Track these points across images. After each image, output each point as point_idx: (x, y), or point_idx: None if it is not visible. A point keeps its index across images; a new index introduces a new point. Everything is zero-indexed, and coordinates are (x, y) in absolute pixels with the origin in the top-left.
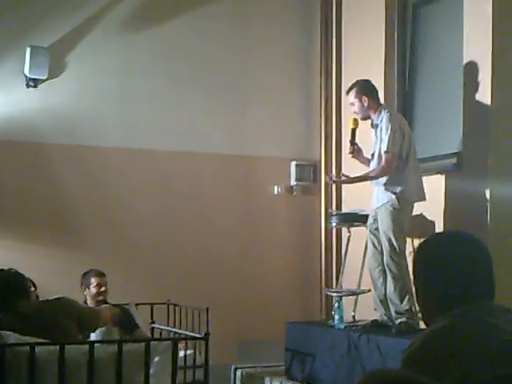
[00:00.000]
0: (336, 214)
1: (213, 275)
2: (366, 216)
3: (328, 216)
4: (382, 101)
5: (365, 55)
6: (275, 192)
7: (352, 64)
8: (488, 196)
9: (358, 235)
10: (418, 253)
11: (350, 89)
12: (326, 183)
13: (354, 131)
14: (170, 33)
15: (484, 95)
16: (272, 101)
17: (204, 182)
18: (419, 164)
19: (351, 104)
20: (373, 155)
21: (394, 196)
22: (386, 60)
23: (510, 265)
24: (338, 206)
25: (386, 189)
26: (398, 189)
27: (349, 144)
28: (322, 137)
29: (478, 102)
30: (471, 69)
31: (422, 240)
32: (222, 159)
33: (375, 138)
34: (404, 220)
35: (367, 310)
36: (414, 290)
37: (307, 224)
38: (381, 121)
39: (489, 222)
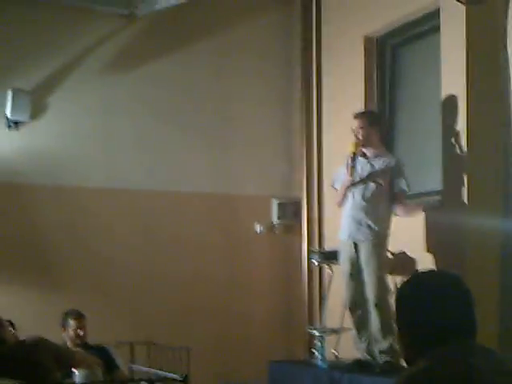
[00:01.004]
0: (318, 252)
1: (195, 314)
2: None
3: (310, 254)
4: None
5: (344, 95)
6: (257, 230)
7: (332, 103)
8: (467, 234)
9: (340, 273)
10: (398, 293)
11: (365, 114)
12: (309, 220)
13: (354, 156)
14: (151, 71)
15: (461, 134)
16: (254, 139)
17: (186, 221)
18: None
19: (359, 128)
20: (354, 184)
21: (379, 232)
22: (365, 100)
23: (489, 301)
24: (320, 244)
25: (373, 224)
26: (383, 225)
27: (349, 170)
28: (304, 174)
29: (455, 140)
30: (448, 108)
31: (403, 278)
32: (205, 198)
33: (366, 167)
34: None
35: (350, 348)
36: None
37: (289, 262)
38: (379, 157)
39: (467, 260)
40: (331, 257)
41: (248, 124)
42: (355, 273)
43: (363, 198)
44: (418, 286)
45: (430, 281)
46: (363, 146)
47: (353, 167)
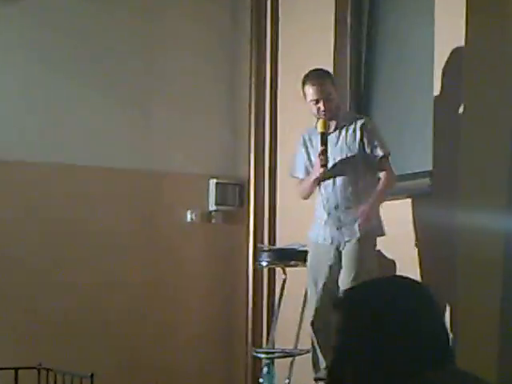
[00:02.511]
0: (268, 250)
1: (101, 333)
2: (307, 253)
3: (258, 252)
4: None
5: (308, 48)
6: (188, 219)
7: (292, 58)
8: (463, 228)
9: (297, 278)
10: (347, 314)
11: (324, 75)
12: (257, 208)
13: (324, 136)
14: (46, 6)
15: (458, 103)
16: (187, 101)
17: (90, 207)
18: None
19: (323, 97)
20: (335, 165)
21: (374, 227)
22: (335, 56)
23: (488, 312)
24: (271, 239)
25: (367, 217)
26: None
27: (319, 154)
28: (252, 148)
29: (450, 110)
30: (443, 69)
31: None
32: (117, 176)
33: (342, 142)
34: None
35: (307, 377)
36: None
37: (230, 263)
38: (353, 122)
39: (461, 261)
40: (286, 257)
41: (180, 82)
42: (330, 282)
43: (342, 189)
44: (367, 303)
45: (394, 295)
46: (329, 119)
47: (325, 152)
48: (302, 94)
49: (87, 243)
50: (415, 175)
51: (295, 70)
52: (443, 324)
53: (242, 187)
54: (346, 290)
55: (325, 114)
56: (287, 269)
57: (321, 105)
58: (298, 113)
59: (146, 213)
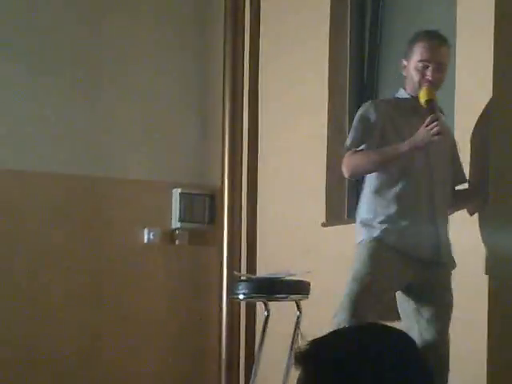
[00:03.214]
0: (247, 280)
1: (47, 372)
2: (297, 283)
3: (233, 282)
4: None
5: (298, 27)
6: (145, 239)
7: (276, 43)
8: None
9: (283, 314)
10: (309, 366)
11: (444, 42)
12: (232, 225)
13: (433, 102)
14: None
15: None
16: (146, 94)
17: (22, 219)
18: None
19: (438, 61)
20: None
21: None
22: (331, 40)
23: None
24: (250, 266)
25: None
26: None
27: (431, 119)
28: (226, 150)
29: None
30: (466, 57)
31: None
32: (56, 182)
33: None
34: None
35: None
36: None
37: (198, 294)
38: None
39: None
40: (269, 288)
41: (136, 68)
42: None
43: (443, 194)
44: (348, 357)
45: (367, 347)
46: (438, 85)
47: (437, 121)
48: (405, 56)
49: (21, 263)
50: None
51: (279, 61)
52: (428, 374)
53: (214, 199)
54: (311, 342)
55: (431, 82)
56: (270, 303)
57: (430, 70)
58: (283, 108)
59: (89, 231)
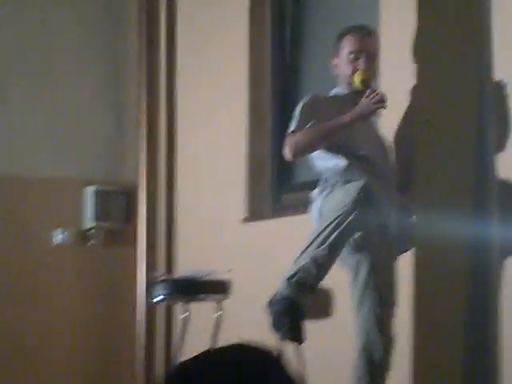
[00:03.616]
0: (165, 280)
1: None
2: (218, 283)
3: (151, 283)
4: None
5: (217, 20)
6: (56, 240)
7: (193, 31)
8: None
9: (202, 316)
10: None
11: (373, 31)
12: (151, 224)
13: (368, 81)
14: None
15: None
16: (53, 83)
17: None
18: None
19: (368, 50)
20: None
21: None
22: (251, 26)
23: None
24: (169, 266)
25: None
26: None
27: (371, 90)
28: (143, 144)
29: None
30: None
31: None
32: None
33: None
34: None
35: None
36: None
37: (114, 298)
38: None
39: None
40: (188, 289)
41: (44, 62)
42: None
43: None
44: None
45: (234, 370)
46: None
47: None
48: (334, 53)
49: None
50: None
51: (197, 54)
52: None
53: (130, 197)
54: (178, 364)
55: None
56: (193, 305)
57: (361, 60)
58: (201, 101)
59: None
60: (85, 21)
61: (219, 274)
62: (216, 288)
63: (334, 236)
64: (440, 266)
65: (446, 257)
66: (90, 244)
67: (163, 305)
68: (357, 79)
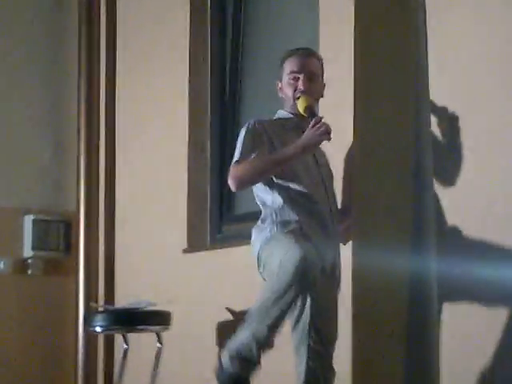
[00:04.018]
0: (104, 311)
1: None
2: (158, 314)
3: (90, 313)
4: None
5: (156, 39)
6: None
7: (132, 49)
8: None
9: (143, 347)
10: None
11: (313, 53)
12: (89, 253)
13: (312, 108)
14: None
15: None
16: None
17: None
18: None
19: (308, 71)
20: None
21: None
22: (191, 40)
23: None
24: (109, 296)
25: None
26: None
27: (316, 120)
28: (81, 171)
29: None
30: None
31: None
32: None
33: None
34: None
35: None
36: None
37: (52, 329)
38: None
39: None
40: (128, 320)
41: None
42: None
43: (332, 203)
44: None
45: None
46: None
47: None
48: (278, 77)
49: None
50: None
51: (137, 79)
52: None
53: (69, 226)
54: None
55: (304, 92)
56: (130, 336)
57: (301, 80)
58: (141, 129)
59: None
60: (23, 39)
61: (159, 305)
62: (156, 319)
63: (273, 315)
64: (377, 298)
65: (385, 288)
66: (28, 273)
67: (103, 335)
68: (300, 106)
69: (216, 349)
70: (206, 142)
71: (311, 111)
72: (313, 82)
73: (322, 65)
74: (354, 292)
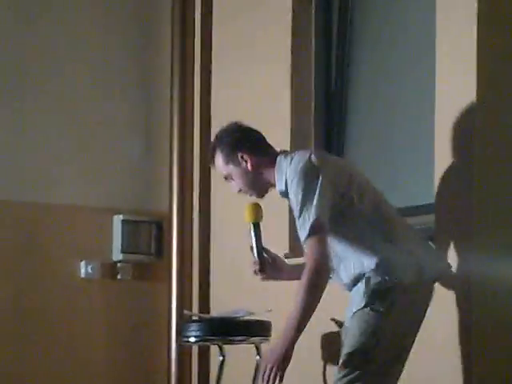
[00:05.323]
0: (199, 320)
1: None
2: (257, 323)
3: (183, 323)
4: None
5: (255, 31)
6: (83, 273)
7: (229, 43)
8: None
9: (241, 359)
10: None
11: (213, 151)
12: (182, 257)
13: (257, 229)
14: None
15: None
16: (80, 102)
17: None
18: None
19: (227, 178)
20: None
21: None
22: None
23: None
24: (204, 304)
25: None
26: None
27: (254, 258)
28: (174, 170)
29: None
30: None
31: None
32: None
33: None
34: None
35: None
36: None
37: (143, 337)
38: (285, 182)
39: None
40: (225, 330)
41: (70, 78)
42: None
43: None
44: None
45: None
46: (259, 196)
47: (261, 253)
48: None
49: None
50: (415, 210)
51: (233, 72)
52: None
53: (161, 227)
54: None
55: (240, 192)
56: (226, 347)
57: (232, 185)
58: (242, 115)
59: (17, 264)
60: (115, 39)
61: (258, 315)
62: (256, 329)
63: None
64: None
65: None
66: (118, 278)
67: (197, 346)
68: (249, 215)
69: (321, 363)
70: (309, 138)
71: (255, 235)
72: (234, 180)
73: (228, 153)
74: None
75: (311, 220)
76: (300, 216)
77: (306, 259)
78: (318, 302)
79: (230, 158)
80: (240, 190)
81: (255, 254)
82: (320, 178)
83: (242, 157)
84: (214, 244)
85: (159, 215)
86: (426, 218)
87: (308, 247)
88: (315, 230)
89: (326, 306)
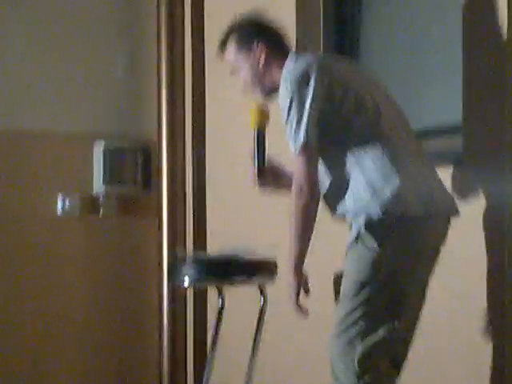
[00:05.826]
0: (194, 259)
1: None
2: (260, 263)
3: (176, 262)
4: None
5: None
6: (59, 210)
7: None
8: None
9: (243, 305)
10: None
11: (227, 35)
12: (173, 189)
13: (261, 135)
14: None
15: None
16: (56, 17)
17: None
18: (418, 145)
19: (233, 71)
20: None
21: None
22: None
23: None
24: (198, 242)
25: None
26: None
27: (254, 163)
28: (163, 91)
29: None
30: None
31: None
32: None
33: None
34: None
35: None
36: None
37: (130, 279)
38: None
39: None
40: (223, 270)
41: None
42: None
43: None
44: None
45: None
46: (266, 96)
47: (263, 160)
48: None
49: None
50: (441, 132)
51: None
52: None
53: (148, 155)
54: None
55: (245, 91)
56: (225, 290)
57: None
58: None
59: None
60: None
61: (261, 253)
62: (258, 269)
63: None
64: None
65: None
66: (99, 214)
67: (192, 290)
68: (253, 120)
69: (332, 305)
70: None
71: (258, 141)
72: (239, 74)
73: (243, 43)
74: None
75: (301, 140)
76: (287, 123)
77: (293, 180)
78: (308, 224)
79: (245, 46)
80: (245, 88)
81: (255, 164)
82: (312, 87)
83: (257, 45)
84: (209, 172)
85: (146, 141)
86: (453, 141)
87: (295, 168)
88: (303, 151)
89: (339, 243)
